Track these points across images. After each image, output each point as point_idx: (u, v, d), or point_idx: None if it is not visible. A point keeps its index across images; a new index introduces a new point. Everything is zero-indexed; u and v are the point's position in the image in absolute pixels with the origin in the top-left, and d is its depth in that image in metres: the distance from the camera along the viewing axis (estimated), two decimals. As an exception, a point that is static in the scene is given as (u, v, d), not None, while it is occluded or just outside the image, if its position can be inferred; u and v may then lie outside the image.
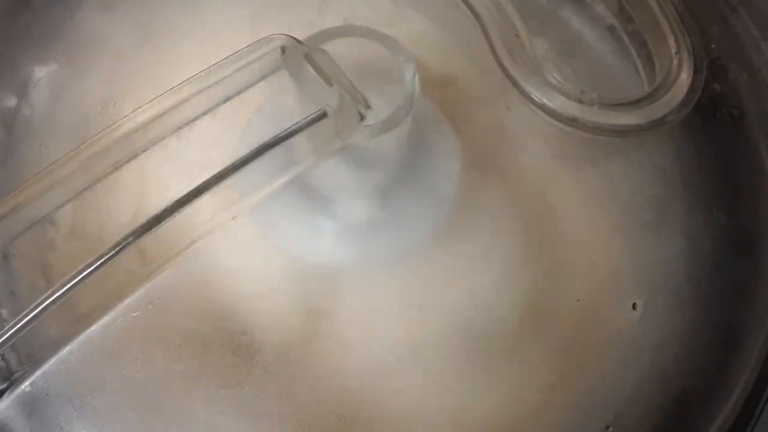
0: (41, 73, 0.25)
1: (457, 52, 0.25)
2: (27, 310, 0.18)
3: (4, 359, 0.20)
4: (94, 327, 0.20)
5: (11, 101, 0.25)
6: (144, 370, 0.21)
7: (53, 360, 0.20)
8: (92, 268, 0.18)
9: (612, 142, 0.23)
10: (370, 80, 0.21)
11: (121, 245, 0.18)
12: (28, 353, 0.20)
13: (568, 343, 0.22)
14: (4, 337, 0.18)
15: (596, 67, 0.26)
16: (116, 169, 0.20)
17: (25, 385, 0.20)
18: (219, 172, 0.19)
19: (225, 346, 0.21)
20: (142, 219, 0.19)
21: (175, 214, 0.19)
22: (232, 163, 0.19)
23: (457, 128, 0.24)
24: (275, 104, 0.23)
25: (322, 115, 0.20)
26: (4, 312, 0.22)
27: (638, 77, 0.25)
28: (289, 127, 0.20)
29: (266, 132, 0.22)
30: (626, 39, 0.26)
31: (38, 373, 0.19)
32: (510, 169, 0.24)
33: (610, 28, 0.26)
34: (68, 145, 0.24)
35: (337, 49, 0.21)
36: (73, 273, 0.18)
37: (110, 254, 0.18)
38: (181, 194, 0.19)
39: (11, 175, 0.24)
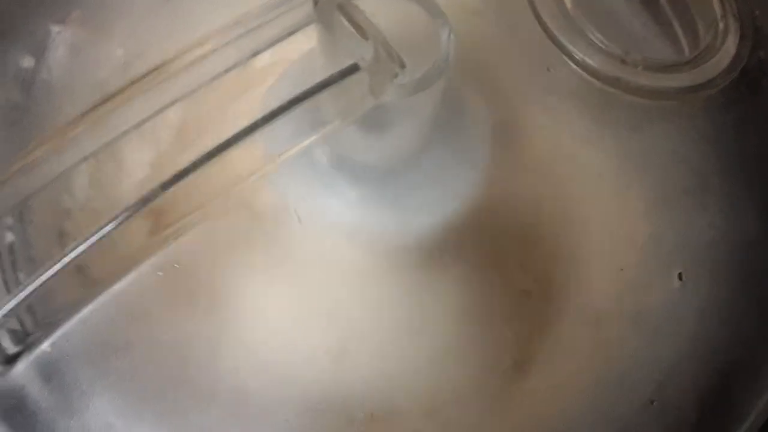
0: (58, 33, 0.24)
1: (494, 10, 0.24)
2: (39, 271, 0.17)
3: (19, 321, 0.19)
4: (116, 287, 0.19)
5: (28, 62, 0.24)
6: (170, 332, 0.20)
7: (73, 321, 0.19)
8: (109, 227, 0.18)
9: (653, 107, 0.23)
10: (403, 40, 0.20)
11: (140, 205, 0.18)
12: (44, 315, 0.19)
13: (607, 310, 0.22)
14: (16, 300, 0.17)
15: (633, 35, 0.25)
16: (137, 125, 0.19)
17: (45, 346, 0.19)
18: (245, 127, 0.18)
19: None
20: (164, 176, 0.18)
21: (197, 170, 0.18)
22: (260, 117, 0.18)
23: (493, 89, 0.23)
24: (305, 63, 0.22)
25: (355, 68, 0.19)
26: (22, 276, 0.22)
27: (679, 46, 0.24)
28: (321, 81, 0.19)
29: (294, 89, 0.22)
30: (666, 4, 0.25)
31: (58, 334, 0.19)
32: (547, 130, 0.23)
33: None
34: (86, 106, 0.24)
35: (369, 6, 0.20)
36: (89, 234, 0.18)
37: (127, 214, 0.18)
38: (204, 151, 0.18)
39: (30, 137, 0.24)
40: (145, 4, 0.25)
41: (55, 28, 0.25)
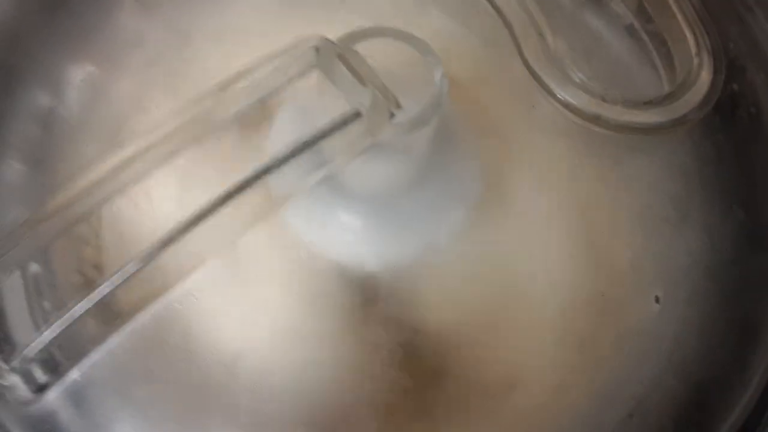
0: (77, 72, 0.26)
1: (481, 50, 0.25)
2: (67, 309, 0.19)
3: (48, 353, 0.20)
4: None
5: (47, 100, 0.26)
6: (186, 358, 0.22)
7: (99, 352, 0.20)
8: (134, 270, 0.19)
9: (633, 141, 0.24)
10: (397, 78, 0.21)
11: (163, 246, 0.19)
12: (72, 346, 0.21)
13: (590, 333, 0.23)
14: (44, 338, 0.19)
15: (615, 66, 0.27)
16: (155, 167, 0.20)
17: (74, 375, 0.20)
18: (253, 174, 0.20)
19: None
20: (185, 218, 0.19)
21: (212, 213, 0.19)
22: (266, 165, 0.20)
23: (481, 124, 0.24)
24: (301, 102, 0.23)
25: (357, 115, 0.20)
26: (47, 304, 0.23)
27: (657, 76, 0.26)
28: (324, 127, 0.20)
29: (295, 130, 0.23)
30: (646, 38, 0.26)
31: (86, 363, 0.20)
32: (534, 165, 0.24)
33: (629, 28, 0.27)
34: (103, 145, 0.25)
35: (364, 48, 0.22)
36: (114, 275, 0.19)
37: (152, 254, 0.19)
38: (217, 195, 0.19)
39: (48, 172, 0.25)
40: (161, 47, 0.26)
41: (73, 68, 0.26)
